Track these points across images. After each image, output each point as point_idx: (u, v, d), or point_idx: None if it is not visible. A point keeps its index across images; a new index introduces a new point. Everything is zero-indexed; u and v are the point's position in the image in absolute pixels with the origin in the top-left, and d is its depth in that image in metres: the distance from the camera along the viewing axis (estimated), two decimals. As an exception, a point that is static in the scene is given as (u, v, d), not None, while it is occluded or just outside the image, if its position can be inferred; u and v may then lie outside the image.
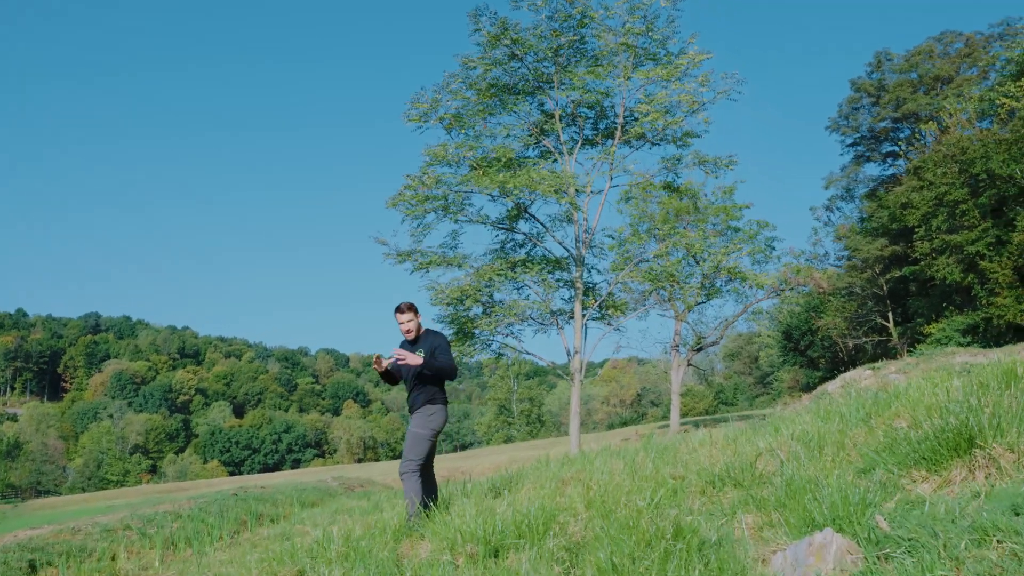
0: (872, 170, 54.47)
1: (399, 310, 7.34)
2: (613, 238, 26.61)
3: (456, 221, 22.20)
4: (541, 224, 22.49)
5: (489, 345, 22.89)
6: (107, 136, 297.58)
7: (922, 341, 40.87)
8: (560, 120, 21.89)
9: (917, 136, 45.13)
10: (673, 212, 29.13)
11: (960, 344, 33.67)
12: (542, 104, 22.41)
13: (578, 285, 21.64)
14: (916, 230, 40.64)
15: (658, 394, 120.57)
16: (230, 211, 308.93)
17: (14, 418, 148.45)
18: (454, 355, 7.65)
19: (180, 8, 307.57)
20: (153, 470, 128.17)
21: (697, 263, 32.54)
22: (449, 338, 22.13)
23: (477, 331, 22.34)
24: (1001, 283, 33.08)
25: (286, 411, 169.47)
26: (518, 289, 22.42)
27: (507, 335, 22.67)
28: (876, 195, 50.43)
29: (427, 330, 7.40)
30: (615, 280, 22.37)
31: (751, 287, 28.00)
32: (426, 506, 6.91)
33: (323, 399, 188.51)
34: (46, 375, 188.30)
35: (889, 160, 53.83)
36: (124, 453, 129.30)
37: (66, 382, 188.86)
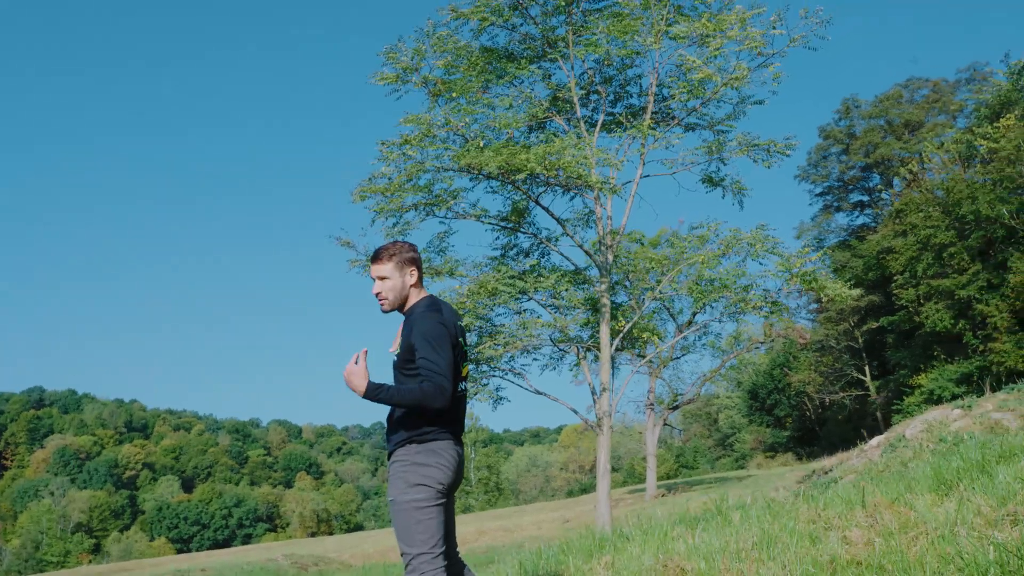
0: (841, 220, 53.44)
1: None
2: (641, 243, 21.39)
3: (443, 219, 16.69)
4: (557, 220, 16.96)
5: (485, 384, 16.96)
6: (46, 205, 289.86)
7: (908, 394, 39.14)
8: (575, 90, 16.68)
9: (899, 177, 44.11)
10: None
11: (955, 394, 31.86)
12: (550, 75, 17.27)
13: (604, 302, 15.96)
14: (897, 277, 39.20)
15: (617, 458, 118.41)
16: (178, 280, 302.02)
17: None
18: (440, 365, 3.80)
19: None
20: (96, 549, 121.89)
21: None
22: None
23: (472, 365, 16.41)
24: (1000, 328, 31.39)
25: (237, 484, 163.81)
26: (519, 312, 16.65)
27: (507, 370, 16.78)
28: (848, 244, 49.31)
29: (419, 302, 4.12)
30: (650, 296, 17.21)
31: (777, 316, 20.30)
32: None
33: (275, 471, 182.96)
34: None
35: (857, 210, 52.88)
36: (65, 532, 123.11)
37: (6, 459, 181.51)
